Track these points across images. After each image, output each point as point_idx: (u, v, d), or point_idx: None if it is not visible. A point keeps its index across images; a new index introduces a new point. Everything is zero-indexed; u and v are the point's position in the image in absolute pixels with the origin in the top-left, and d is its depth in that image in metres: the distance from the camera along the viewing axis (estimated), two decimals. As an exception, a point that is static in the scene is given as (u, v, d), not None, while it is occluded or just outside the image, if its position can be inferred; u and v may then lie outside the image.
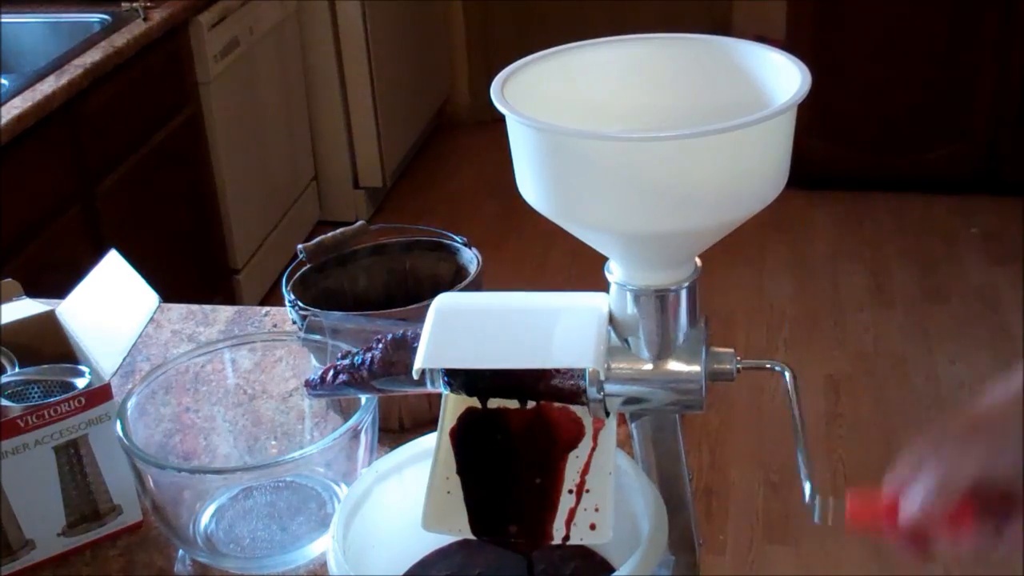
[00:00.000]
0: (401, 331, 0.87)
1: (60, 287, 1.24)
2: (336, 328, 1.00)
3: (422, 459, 0.90)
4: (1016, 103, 3.57)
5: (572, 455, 0.84)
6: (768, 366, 0.85)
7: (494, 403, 0.84)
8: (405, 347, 0.86)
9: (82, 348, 1.11)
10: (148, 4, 2.61)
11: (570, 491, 0.83)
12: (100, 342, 1.11)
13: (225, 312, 1.44)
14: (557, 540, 0.83)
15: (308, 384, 0.92)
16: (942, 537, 0.77)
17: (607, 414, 0.83)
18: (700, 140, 0.72)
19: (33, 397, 1.08)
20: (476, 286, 1.20)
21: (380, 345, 0.87)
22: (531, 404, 0.84)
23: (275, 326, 1.39)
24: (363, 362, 0.88)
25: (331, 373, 0.90)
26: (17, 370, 1.09)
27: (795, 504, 2.52)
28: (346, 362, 0.89)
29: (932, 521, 0.76)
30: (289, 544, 1.05)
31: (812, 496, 0.80)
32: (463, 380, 0.84)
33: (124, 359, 1.10)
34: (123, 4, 2.62)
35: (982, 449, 0.78)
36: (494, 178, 3.83)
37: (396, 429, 1.17)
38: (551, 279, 3.39)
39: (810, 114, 3.28)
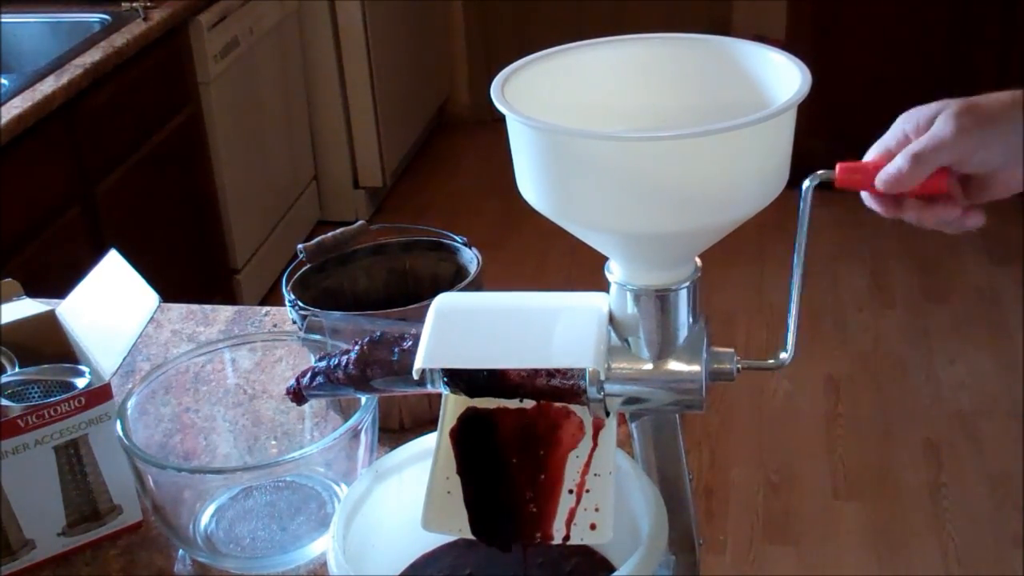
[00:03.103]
0: (379, 332, 0.87)
1: (60, 287, 1.24)
2: (336, 328, 1.00)
3: (422, 459, 0.90)
4: (1016, 103, 3.56)
5: (572, 455, 0.84)
6: (768, 366, 0.85)
7: (494, 403, 0.84)
8: (383, 347, 0.86)
9: (82, 348, 1.11)
10: (148, 4, 2.61)
11: (570, 491, 0.83)
12: (100, 342, 1.11)
13: (225, 312, 1.44)
14: (557, 540, 0.83)
15: (288, 392, 0.91)
16: (912, 199, 0.85)
17: (607, 414, 0.83)
18: (700, 140, 0.72)
19: (33, 397, 1.07)
20: (476, 286, 1.20)
21: (357, 347, 0.87)
22: (531, 404, 0.84)
23: (275, 326, 1.39)
24: (339, 363, 0.87)
25: (308, 375, 0.90)
26: (17, 370, 1.09)
27: (795, 504, 2.53)
28: (323, 364, 0.89)
29: (905, 182, 0.83)
30: (289, 544, 1.05)
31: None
32: (463, 380, 0.84)
33: (124, 359, 1.10)
34: (123, 4, 2.62)
35: (971, 137, 0.82)
36: (494, 178, 3.83)
37: (396, 429, 1.17)
38: (551, 279, 3.39)
39: (810, 114, 3.27)
